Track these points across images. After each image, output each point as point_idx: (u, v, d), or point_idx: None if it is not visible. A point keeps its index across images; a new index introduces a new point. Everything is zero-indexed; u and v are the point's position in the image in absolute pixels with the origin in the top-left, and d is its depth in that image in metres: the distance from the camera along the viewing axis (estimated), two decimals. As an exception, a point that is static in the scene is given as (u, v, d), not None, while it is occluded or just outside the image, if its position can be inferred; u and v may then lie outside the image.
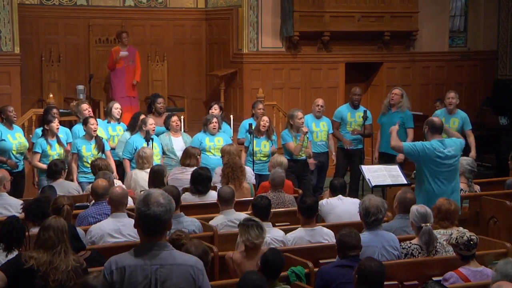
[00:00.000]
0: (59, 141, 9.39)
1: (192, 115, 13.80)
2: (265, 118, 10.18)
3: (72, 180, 9.17)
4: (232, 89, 13.91)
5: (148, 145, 9.45)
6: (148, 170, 8.43)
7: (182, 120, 11.45)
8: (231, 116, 11.80)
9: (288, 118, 10.12)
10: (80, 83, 13.44)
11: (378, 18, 14.04)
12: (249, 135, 10.04)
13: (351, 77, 14.31)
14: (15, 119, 9.71)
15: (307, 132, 10.00)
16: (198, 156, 8.95)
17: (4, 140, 9.32)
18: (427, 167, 7.28)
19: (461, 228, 6.24)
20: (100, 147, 9.47)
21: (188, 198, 7.82)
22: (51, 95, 11.80)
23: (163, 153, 9.91)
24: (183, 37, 14.64)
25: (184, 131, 11.29)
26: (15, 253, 5.33)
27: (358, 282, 4.82)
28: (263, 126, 10.05)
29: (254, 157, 9.96)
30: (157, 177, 7.87)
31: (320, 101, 10.79)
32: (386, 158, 10.18)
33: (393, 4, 14.11)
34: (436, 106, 12.30)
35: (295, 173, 9.83)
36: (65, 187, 8.29)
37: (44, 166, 9.08)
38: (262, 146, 10.05)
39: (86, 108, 10.15)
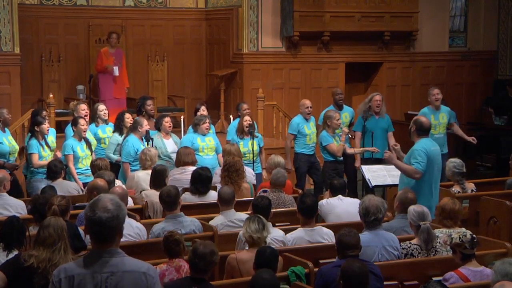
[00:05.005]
0: (46, 143, 9.38)
1: (192, 115, 13.76)
2: (247, 118, 10.13)
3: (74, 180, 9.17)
4: (232, 89, 13.91)
5: (148, 145, 9.43)
6: (149, 170, 8.44)
7: (182, 120, 11.43)
8: (231, 116, 11.79)
9: (325, 119, 10.01)
10: (80, 83, 13.46)
11: (378, 18, 14.05)
12: (235, 137, 10.04)
13: (351, 77, 14.33)
14: (9, 121, 9.70)
15: (348, 132, 10.05)
16: (194, 153, 8.96)
17: (1, 143, 9.30)
18: (432, 167, 7.31)
19: (463, 229, 6.26)
20: (90, 147, 9.51)
21: (188, 198, 7.81)
22: (51, 95, 11.80)
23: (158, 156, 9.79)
24: (183, 37, 14.64)
25: (184, 131, 11.26)
26: (15, 253, 5.33)
27: (344, 286, 4.82)
28: (246, 126, 10.03)
29: (244, 158, 9.87)
30: (158, 177, 7.86)
31: (308, 102, 10.73)
32: (371, 163, 10.08)
33: (393, 4, 14.12)
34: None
35: (339, 175, 9.72)
36: (64, 187, 8.28)
37: (44, 162, 9.10)
38: (250, 145, 9.99)
39: (84, 109, 10.12)
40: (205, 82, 14.78)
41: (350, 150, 10.18)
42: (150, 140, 9.50)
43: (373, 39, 14.28)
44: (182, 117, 11.85)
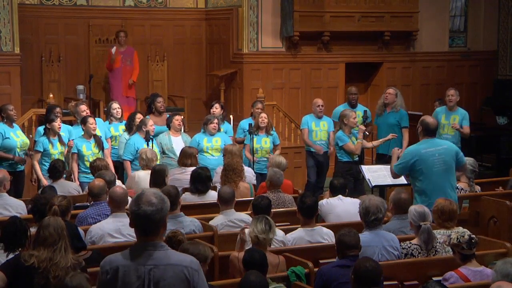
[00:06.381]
0: (60, 140, 9.40)
1: (192, 115, 13.81)
2: (263, 114, 10.24)
3: (73, 180, 9.18)
4: (232, 89, 13.92)
5: (148, 145, 9.45)
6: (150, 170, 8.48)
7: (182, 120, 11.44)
8: (231, 116, 11.80)
9: (341, 118, 9.95)
10: (80, 83, 13.46)
11: (378, 18, 14.05)
12: (248, 135, 10.07)
13: (351, 77, 14.32)
14: (15, 117, 9.74)
15: (365, 130, 9.98)
16: (196, 155, 8.96)
17: (8, 138, 9.35)
18: (419, 168, 7.31)
19: (460, 228, 6.26)
20: (100, 145, 9.51)
21: (188, 198, 7.82)
22: (51, 95, 11.80)
23: (163, 152, 9.90)
24: (183, 37, 14.65)
25: (184, 131, 11.28)
26: (15, 253, 5.32)
27: (355, 283, 4.83)
28: (262, 121, 10.08)
29: (256, 155, 9.97)
30: (158, 177, 7.86)
31: (320, 101, 10.82)
32: (384, 160, 10.14)
33: (393, 4, 14.12)
34: (435, 106, 12.30)
35: (353, 176, 9.65)
36: (65, 187, 8.30)
37: (40, 174, 9.16)
38: (263, 142, 10.12)
39: (84, 110, 10.12)
40: (205, 82, 14.78)
41: (368, 144, 10.13)
42: (150, 141, 9.53)
43: (373, 39, 14.28)
44: (182, 117, 11.84)
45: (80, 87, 13.34)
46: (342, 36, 13.89)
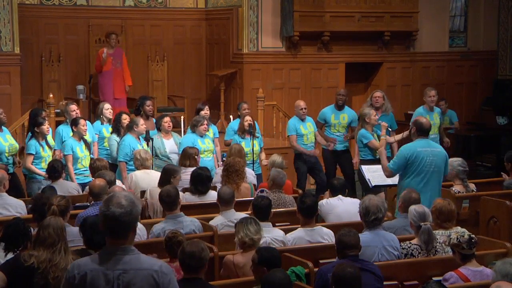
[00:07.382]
0: (47, 143, 9.36)
1: (192, 115, 13.71)
2: (248, 117, 10.15)
3: (71, 180, 9.17)
4: (232, 89, 13.91)
5: (147, 145, 9.42)
6: (147, 169, 8.50)
7: (182, 120, 11.43)
8: (231, 116, 11.79)
9: (362, 116, 9.95)
10: (80, 83, 13.46)
11: (378, 18, 14.06)
12: (236, 137, 10.03)
13: (351, 77, 14.32)
14: (5, 120, 9.63)
15: (387, 126, 9.94)
16: (196, 156, 8.91)
17: None
18: (414, 165, 7.42)
19: (459, 228, 6.26)
20: (89, 147, 9.50)
21: (188, 198, 7.82)
22: (51, 95, 11.79)
23: (156, 155, 9.80)
24: (183, 37, 14.65)
25: (184, 131, 11.25)
26: (14, 253, 5.32)
27: None
28: (247, 126, 10.04)
29: (246, 158, 9.91)
30: (164, 176, 7.81)
31: (302, 104, 10.76)
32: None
33: (393, 4, 14.13)
34: (440, 106, 12.25)
35: None
36: (64, 187, 8.29)
37: (37, 170, 9.10)
38: (251, 145, 10.03)
39: (74, 110, 9.98)
40: (205, 82, 14.78)
41: (390, 139, 10.10)
42: (150, 140, 9.49)
43: (373, 39, 14.28)
44: (182, 117, 11.86)
45: (80, 87, 13.33)
46: (342, 36, 13.89)
